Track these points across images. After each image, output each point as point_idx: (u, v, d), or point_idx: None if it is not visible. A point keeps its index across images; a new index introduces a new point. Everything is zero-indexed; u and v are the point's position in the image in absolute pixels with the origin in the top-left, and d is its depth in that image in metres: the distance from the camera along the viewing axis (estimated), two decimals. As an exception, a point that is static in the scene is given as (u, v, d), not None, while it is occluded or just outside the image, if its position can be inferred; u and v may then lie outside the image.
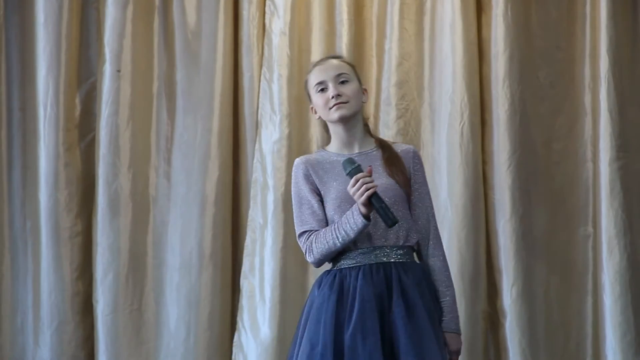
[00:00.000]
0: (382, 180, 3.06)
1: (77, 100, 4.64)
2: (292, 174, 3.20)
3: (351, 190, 2.95)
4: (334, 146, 3.17)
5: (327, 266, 3.24)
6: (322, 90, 3.11)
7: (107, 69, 4.53)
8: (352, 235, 2.99)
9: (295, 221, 3.17)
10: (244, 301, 4.41)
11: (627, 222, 4.25)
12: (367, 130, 3.21)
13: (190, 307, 4.46)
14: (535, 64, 4.41)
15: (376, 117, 4.48)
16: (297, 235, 3.15)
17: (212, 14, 4.56)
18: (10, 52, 4.62)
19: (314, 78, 3.14)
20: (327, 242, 3.04)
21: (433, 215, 3.18)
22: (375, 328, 2.92)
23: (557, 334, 4.32)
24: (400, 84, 4.43)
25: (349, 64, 3.20)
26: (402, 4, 4.44)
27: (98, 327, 4.47)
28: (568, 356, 4.33)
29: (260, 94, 4.50)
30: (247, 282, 4.43)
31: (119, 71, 4.53)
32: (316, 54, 4.47)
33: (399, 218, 2.97)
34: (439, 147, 4.39)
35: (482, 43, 4.45)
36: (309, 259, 3.11)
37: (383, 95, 4.43)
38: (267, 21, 4.53)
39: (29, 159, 4.58)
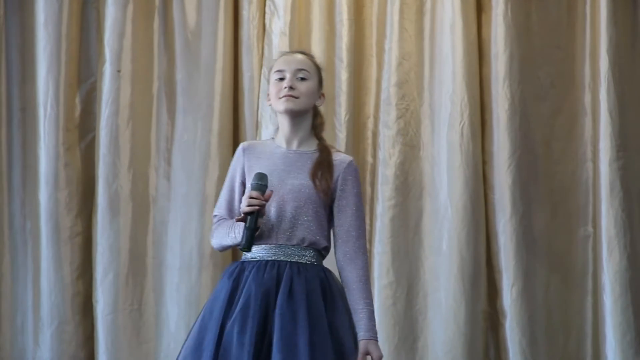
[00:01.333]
0: (297, 181, 3.07)
1: (77, 100, 4.64)
2: (234, 156, 3.24)
3: (242, 201, 3.00)
4: (278, 137, 3.20)
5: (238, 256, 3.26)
6: (280, 79, 3.13)
7: (107, 69, 4.53)
8: (238, 240, 3.03)
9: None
10: (244, 301, 4.41)
11: (627, 222, 4.26)
12: (315, 133, 3.20)
13: (190, 307, 4.46)
14: (535, 63, 4.42)
15: (376, 117, 4.48)
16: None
17: (212, 14, 4.56)
18: (11, 52, 4.62)
19: (276, 65, 3.18)
20: (222, 235, 3.11)
21: (356, 227, 3.09)
22: (254, 323, 2.93)
23: (557, 334, 4.32)
24: (401, 84, 4.43)
25: (315, 64, 3.20)
26: (402, 4, 4.44)
27: (98, 327, 4.47)
28: (568, 356, 4.34)
29: (260, 94, 4.50)
30: (247, 282, 4.43)
31: (119, 71, 4.53)
32: (316, 54, 4.43)
33: (250, 245, 2.97)
34: (439, 147, 4.40)
35: (482, 43, 4.45)
36: (211, 242, 3.18)
37: (383, 95, 4.44)
38: (267, 21, 4.53)
39: (29, 159, 4.58)
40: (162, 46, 4.63)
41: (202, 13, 4.59)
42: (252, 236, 2.97)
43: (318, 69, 3.20)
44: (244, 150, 3.20)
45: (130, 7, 4.56)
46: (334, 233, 3.11)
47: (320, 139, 3.17)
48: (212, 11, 4.56)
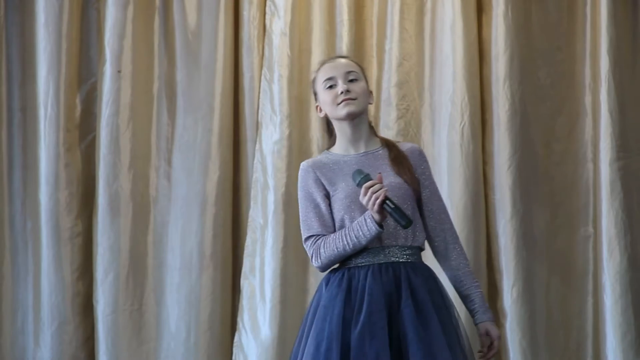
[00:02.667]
0: (390, 179, 3.06)
1: (78, 101, 4.64)
2: (300, 177, 3.17)
3: (363, 200, 2.95)
4: (338, 147, 3.17)
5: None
6: (331, 87, 3.11)
7: (108, 69, 4.53)
8: (363, 242, 2.99)
9: (301, 225, 3.15)
10: (245, 301, 4.42)
11: (628, 223, 4.25)
12: (372, 131, 3.21)
13: (190, 308, 4.46)
14: (535, 64, 4.42)
15: (376, 118, 4.47)
16: (303, 239, 3.14)
17: (212, 15, 4.56)
18: (11, 53, 4.62)
19: (322, 74, 3.14)
20: (336, 248, 3.04)
21: (446, 211, 3.17)
22: (384, 327, 2.91)
23: (557, 334, 4.32)
24: (401, 85, 4.43)
25: (357, 64, 3.21)
26: (402, 4, 4.44)
27: (98, 327, 4.47)
28: (568, 356, 4.34)
29: (261, 95, 4.50)
30: (248, 283, 4.43)
31: (119, 72, 4.53)
32: (316, 54, 4.47)
33: (411, 218, 2.97)
34: (440, 148, 4.39)
35: (482, 43, 4.45)
36: (316, 263, 3.09)
37: (383, 96, 4.43)
38: (267, 22, 4.53)
39: (29, 159, 4.58)
40: (163, 46, 4.62)
41: (203, 13, 4.59)
42: (402, 211, 2.92)
43: (362, 68, 3.21)
44: (309, 166, 3.15)
45: (131, 8, 4.56)
46: (425, 222, 3.11)
47: (377, 135, 3.18)
48: (212, 11, 4.56)
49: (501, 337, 4.31)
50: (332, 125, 3.22)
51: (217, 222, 4.48)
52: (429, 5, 4.48)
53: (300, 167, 3.18)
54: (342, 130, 3.15)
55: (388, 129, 4.40)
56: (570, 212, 4.41)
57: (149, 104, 4.60)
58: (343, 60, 3.19)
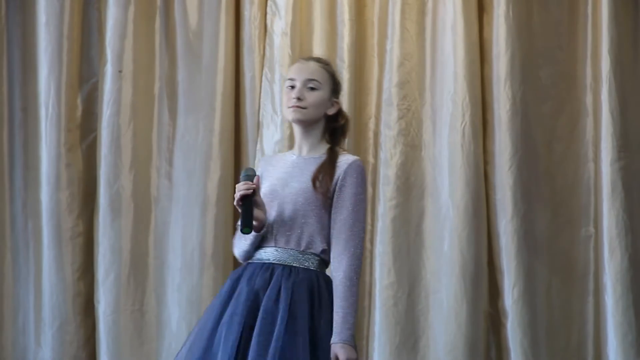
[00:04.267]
0: (296, 185, 3.08)
1: (79, 101, 4.64)
2: None
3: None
4: (295, 146, 3.23)
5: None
6: (291, 87, 3.13)
7: (109, 69, 4.53)
8: (243, 238, 3.10)
9: None
10: (246, 301, 4.41)
11: (629, 223, 4.25)
12: (326, 139, 3.20)
13: (191, 308, 4.46)
14: (536, 64, 4.41)
15: (377, 118, 4.48)
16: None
17: (213, 15, 4.56)
18: (12, 53, 4.62)
19: (288, 73, 3.20)
20: (238, 240, 3.15)
21: (348, 228, 3.04)
22: (239, 323, 2.97)
23: (558, 334, 4.32)
24: (402, 85, 4.43)
25: (329, 72, 3.19)
26: (403, 4, 4.44)
27: (99, 327, 4.47)
28: (569, 356, 4.33)
29: (262, 95, 4.50)
30: (249, 283, 4.43)
31: (120, 71, 4.53)
32: (317, 54, 4.46)
33: (247, 225, 3.00)
34: (441, 148, 4.39)
35: (483, 43, 4.45)
36: (235, 253, 3.21)
37: (384, 96, 4.43)
38: (268, 21, 4.53)
39: (30, 159, 4.58)
40: (164, 46, 4.62)
41: (204, 13, 4.59)
42: (248, 218, 2.98)
43: (332, 76, 3.19)
44: (263, 160, 3.28)
45: (132, 8, 4.56)
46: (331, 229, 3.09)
47: (333, 143, 3.17)
48: (213, 11, 4.56)
49: (502, 337, 4.33)
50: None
51: (219, 222, 4.48)
52: (430, 5, 4.48)
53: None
54: (294, 130, 3.21)
55: (389, 129, 4.40)
56: (571, 212, 4.41)
57: (150, 104, 4.60)
58: (312, 65, 3.18)
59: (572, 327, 4.35)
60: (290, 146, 4.39)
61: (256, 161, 4.45)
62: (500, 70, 4.37)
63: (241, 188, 3.00)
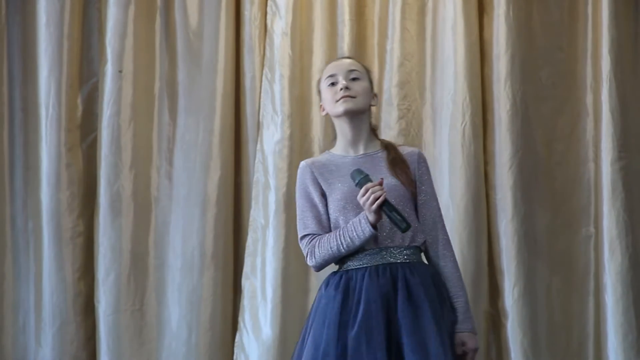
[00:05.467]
0: (387, 181, 3.05)
1: (79, 101, 4.64)
2: (298, 176, 3.18)
3: (361, 200, 2.95)
4: (339, 147, 3.18)
5: (333, 267, 3.23)
6: (333, 84, 3.12)
7: (109, 69, 4.53)
8: (357, 243, 2.99)
9: (298, 224, 3.16)
10: (246, 301, 4.42)
11: (629, 223, 4.25)
12: (374, 134, 3.20)
13: (191, 308, 4.46)
14: (537, 64, 4.41)
15: (377, 118, 4.47)
16: (299, 238, 3.14)
17: (213, 15, 4.56)
18: (12, 53, 4.62)
19: (326, 72, 3.17)
20: (330, 248, 3.04)
21: (440, 217, 3.17)
22: (380, 328, 2.91)
23: (558, 334, 4.32)
24: (402, 85, 4.43)
25: (364, 66, 3.21)
26: (403, 4, 4.44)
27: (100, 327, 4.48)
28: (570, 357, 4.33)
29: (262, 95, 4.50)
30: (249, 283, 4.43)
31: (120, 71, 4.53)
32: (318, 54, 4.47)
33: (410, 221, 2.97)
34: (441, 148, 4.39)
35: (483, 43, 4.45)
36: (310, 262, 3.10)
37: (385, 96, 4.43)
38: (268, 21, 4.53)
39: (30, 159, 4.58)
40: (164, 46, 4.63)
41: (204, 13, 4.59)
42: (402, 215, 2.93)
43: (367, 70, 3.20)
44: (308, 165, 3.17)
45: (132, 8, 4.56)
46: (421, 223, 3.11)
47: (379, 138, 3.17)
48: (213, 11, 4.56)
49: (502, 337, 4.33)
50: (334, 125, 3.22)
51: (219, 222, 4.48)
52: (430, 5, 4.48)
53: (300, 166, 3.19)
54: (342, 130, 3.16)
55: (389, 129, 4.40)
56: (571, 212, 4.41)
57: (150, 104, 4.61)
58: (347, 60, 3.21)
59: (573, 328, 4.35)
60: (291, 146, 4.39)
61: (256, 162, 4.45)
62: (500, 70, 4.37)
63: (377, 191, 2.92)
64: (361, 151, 3.12)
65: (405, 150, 3.15)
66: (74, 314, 4.52)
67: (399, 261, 3.02)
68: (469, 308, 3.08)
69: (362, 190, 2.94)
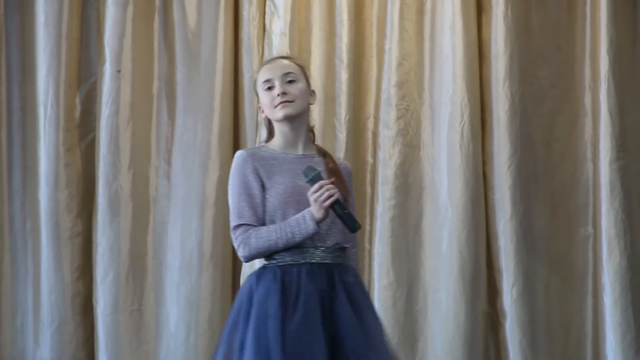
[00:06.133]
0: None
1: (78, 101, 4.64)
2: (236, 164, 3.16)
3: (313, 196, 2.96)
4: (277, 144, 3.17)
5: (262, 261, 3.22)
6: (269, 88, 3.11)
7: (107, 69, 4.53)
8: (297, 239, 3.00)
9: (231, 212, 3.14)
10: (244, 301, 4.41)
11: (627, 223, 4.26)
12: (310, 135, 3.20)
13: (190, 308, 4.46)
14: (535, 64, 4.42)
15: (376, 118, 4.48)
16: (231, 227, 3.14)
17: (212, 15, 4.56)
18: (11, 52, 4.62)
19: (261, 76, 3.15)
20: (269, 240, 3.04)
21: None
22: (319, 323, 2.94)
23: (557, 334, 4.33)
24: (401, 85, 4.43)
25: (298, 65, 3.19)
26: (402, 4, 4.44)
27: (98, 327, 4.47)
28: (568, 356, 4.34)
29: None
30: (248, 283, 4.43)
31: (119, 71, 4.53)
32: (316, 54, 4.47)
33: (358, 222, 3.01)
34: (439, 148, 4.40)
35: (482, 43, 4.45)
36: (242, 252, 3.08)
37: (383, 96, 4.43)
38: (267, 21, 4.53)
39: (29, 159, 4.58)
40: (162, 46, 4.63)
41: (203, 13, 4.59)
42: (352, 216, 2.96)
43: (302, 68, 3.19)
44: (249, 155, 3.14)
45: (131, 8, 4.56)
46: None
47: (314, 142, 3.19)
48: (212, 11, 4.56)
49: (501, 337, 4.33)
50: (272, 123, 3.22)
51: (217, 222, 4.48)
52: (428, 5, 4.48)
53: (237, 155, 3.18)
54: (281, 131, 3.16)
55: (388, 129, 4.40)
56: (570, 212, 4.41)
57: (148, 104, 4.60)
58: (283, 61, 3.18)
59: (571, 327, 4.36)
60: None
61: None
62: (499, 70, 4.37)
63: (331, 189, 2.94)
64: (300, 151, 3.14)
65: (338, 161, 3.18)
66: (72, 314, 4.52)
67: (332, 262, 3.04)
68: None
69: (316, 186, 2.96)
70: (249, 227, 3.08)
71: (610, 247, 4.25)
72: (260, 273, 3.08)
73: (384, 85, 4.44)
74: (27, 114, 4.60)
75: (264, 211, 3.08)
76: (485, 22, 4.46)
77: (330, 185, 2.95)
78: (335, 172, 3.10)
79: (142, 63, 4.58)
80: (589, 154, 4.41)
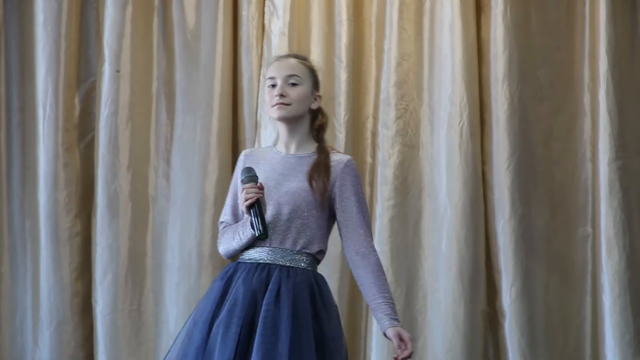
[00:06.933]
0: (292, 185, 3.06)
1: (77, 101, 4.64)
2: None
3: (239, 199, 3.01)
4: (278, 143, 3.20)
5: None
6: (272, 86, 3.12)
7: (107, 69, 4.53)
8: (245, 240, 3.03)
9: None
10: (243, 301, 4.41)
11: (626, 222, 4.26)
12: (314, 135, 3.19)
13: (189, 307, 4.45)
14: (534, 64, 4.42)
15: (375, 117, 4.48)
16: None
17: (211, 14, 4.56)
18: (10, 52, 4.62)
19: (268, 72, 3.16)
20: (228, 240, 3.11)
21: (362, 225, 3.09)
22: (237, 325, 2.93)
23: (556, 334, 4.33)
24: (400, 84, 4.43)
25: (307, 66, 3.18)
26: (401, 4, 4.44)
27: (97, 327, 4.47)
28: (567, 356, 4.34)
29: (260, 94, 4.50)
30: (247, 282, 4.43)
31: (118, 71, 4.53)
32: (315, 54, 4.47)
33: (269, 231, 2.99)
34: (438, 148, 4.40)
35: (481, 43, 4.45)
36: (219, 249, 3.17)
37: (382, 96, 4.43)
38: (266, 21, 4.53)
39: (28, 159, 4.58)
40: (162, 46, 4.63)
41: (202, 13, 4.59)
42: (264, 222, 2.96)
43: (311, 71, 3.17)
44: (245, 156, 3.19)
45: (130, 8, 4.56)
46: (340, 234, 3.09)
47: (320, 140, 3.16)
48: (211, 11, 4.56)
49: (500, 337, 4.33)
50: None
51: (216, 222, 4.46)
52: (427, 5, 4.48)
53: (240, 154, 3.24)
54: (279, 129, 3.18)
55: (387, 129, 4.40)
56: (569, 211, 4.41)
57: (147, 104, 4.60)
58: (291, 61, 3.16)
59: (570, 327, 4.36)
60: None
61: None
62: (498, 70, 4.37)
63: (251, 192, 2.96)
64: (292, 151, 3.14)
65: (335, 157, 3.14)
66: (71, 314, 4.52)
67: (281, 263, 3.03)
68: (393, 307, 2.99)
69: (240, 188, 3.00)
70: (225, 225, 3.16)
71: (609, 247, 4.25)
72: (223, 269, 3.13)
73: (383, 85, 4.44)
74: (26, 114, 4.60)
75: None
76: (484, 22, 4.46)
77: (252, 189, 2.95)
78: (315, 169, 3.07)
79: (141, 63, 4.58)
80: (588, 154, 4.41)
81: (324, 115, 3.19)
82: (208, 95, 4.53)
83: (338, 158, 3.12)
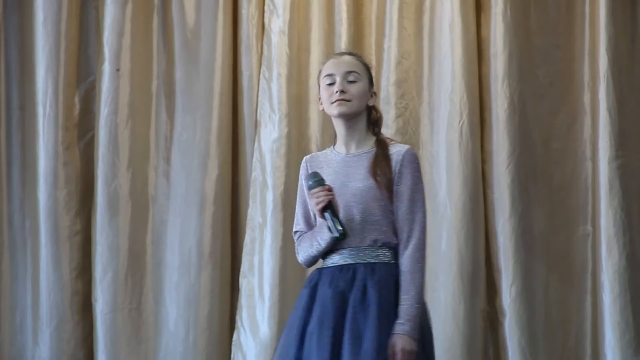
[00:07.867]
0: (358, 184, 3.06)
1: (76, 99, 4.65)
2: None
3: (310, 204, 3.02)
4: (337, 144, 3.19)
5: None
6: (330, 84, 3.11)
7: (106, 67, 4.53)
8: (324, 245, 3.03)
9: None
10: (243, 300, 4.42)
11: (626, 221, 4.25)
12: (371, 130, 3.19)
13: (189, 306, 4.46)
14: (534, 63, 4.42)
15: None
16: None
17: (211, 13, 4.56)
18: (10, 51, 4.62)
19: (325, 69, 3.15)
20: (306, 248, 3.11)
21: (414, 219, 3.06)
22: (330, 327, 2.94)
23: (556, 333, 4.32)
24: (400, 83, 4.43)
25: (364, 63, 3.19)
26: (401, 2, 4.44)
27: (97, 326, 4.48)
28: (567, 355, 4.34)
29: (260, 93, 4.50)
30: (247, 281, 4.43)
31: (118, 70, 4.53)
32: (315, 53, 4.47)
33: (348, 230, 2.98)
34: (438, 146, 4.40)
35: (481, 42, 4.45)
36: (298, 259, 3.16)
37: (382, 94, 4.43)
38: (266, 20, 4.53)
39: (28, 157, 4.58)
40: (161, 45, 4.63)
41: (201, 12, 4.59)
42: (341, 222, 2.95)
43: (367, 68, 3.18)
44: (307, 162, 3.19)
45: (130, 6, 4.56)
46: (396, 222, 3.08)
47: (378, 134, 3.16)
48: (211, 10, 4.57)
49: (500, 336, 4.33)
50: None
51: (216, 221, 4.48)
52: (427, 3, 4.48)
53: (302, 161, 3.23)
54: (337, 127, 3.17)
55: (386, 128, 4.39)
56: (569, 210, 4.41)
57: (147, 103, 4.61)
58: (347, 58, 3.17)
59: (570, 326, 4.35)
60: (288, 145, 4.40)
61: (253, 160, 4.46)
62: (497, 69, 4.37)
63: (321, 195, 2.96)
64: (352, 150, 3.13)
65: (394, 148, 3.12)
66: (71, 313, 4.52)
67: (365, 261, 3.03)
68: (410, 313, 2.99)
69: (309, 194, 3.02)
70: (300, 234, 3.15)
71: (609, 246, 4.25)
72: (309, 276, 3.13)
73: (383, 84, 4.44)
74: (26, 113, 4.60)
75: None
76: (484, 21, 4.46)
77: (321, 193, 2.96)
78: (376, 164, 3.05)
79: (141, 62, 4.59)
80: (588, 153, 4.41)
81: (377, 110, 3.20)
82: (208, 94, 4.54)
83: (397, 149, 3.11)
